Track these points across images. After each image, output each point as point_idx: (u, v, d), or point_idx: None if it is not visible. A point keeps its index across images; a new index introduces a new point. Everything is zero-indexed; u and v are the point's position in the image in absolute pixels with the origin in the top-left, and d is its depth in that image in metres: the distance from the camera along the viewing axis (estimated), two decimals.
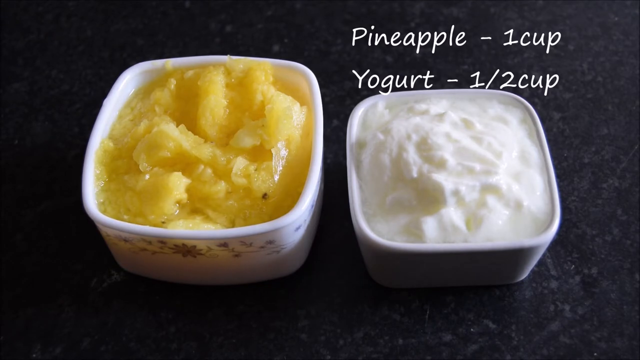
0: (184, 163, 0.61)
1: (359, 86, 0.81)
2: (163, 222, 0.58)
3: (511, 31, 0.87)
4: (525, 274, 0.62)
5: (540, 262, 0.64)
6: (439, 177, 0.58)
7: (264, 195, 0.59)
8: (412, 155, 0.60)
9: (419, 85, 0.81)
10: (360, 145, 0.64)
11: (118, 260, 0.64)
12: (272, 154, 0.61)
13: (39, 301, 0.63)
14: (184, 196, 0.59)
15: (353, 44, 0.86)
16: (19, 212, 0.70)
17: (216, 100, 0.64)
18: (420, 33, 0.87)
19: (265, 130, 0.61)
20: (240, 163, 0.60)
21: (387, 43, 0.86)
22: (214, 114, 0.64)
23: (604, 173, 0.71)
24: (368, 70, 0.83)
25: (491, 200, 0.58)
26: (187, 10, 0.92)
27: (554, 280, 0.63)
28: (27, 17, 0.92)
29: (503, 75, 0.81)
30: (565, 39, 0.85)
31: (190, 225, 0.57)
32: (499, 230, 0.57)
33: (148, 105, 0.66)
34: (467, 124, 0.62)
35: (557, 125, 0.76)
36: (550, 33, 0.86)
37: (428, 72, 0.82)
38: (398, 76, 0.82)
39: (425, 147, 0.60)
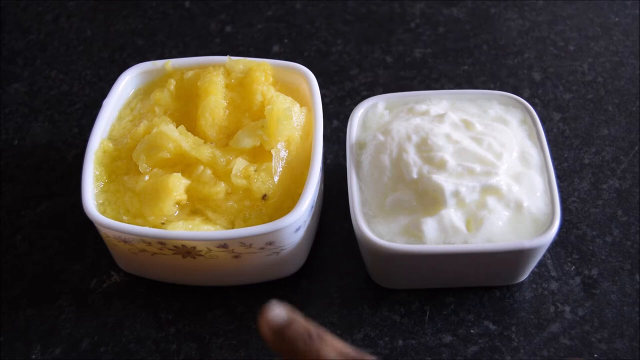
0: (184, 164, 0.61)
1: (359, 86, 0.81)
2: (163, 223, 0.58)
3: (511, 31, 0.87)
4: (525, 275, 0.62)
5: (541, 263, 0.64)
6: (439, 178, 0.58)
7: (264, 196, 0.59)
8: (412, 156, 0.59)
9: (419, 85, 0.81)
10: (360, 146, 0.64)
11: (118, 261, 0.64)
12: (272, 154, 0.60)
13: (39, 302, 0.63)
14: (183, 197, 0.59)
15: (353, 44, 0.86)
16: (19, 212, 0.69)
17: (216, 101, 0.64)
18: (420, 33, 0.87)
19: (265, 131, 0.61)
20: (240, 164, 0.60)
21: (387, 43, 0.86)
22: (214, 114, 0.64)
23: (604, 174, 0.71)
24: (368, 71, 0.82)
25: (491, 201, 0.58)
26: (187, 10, 0.92)
27: (554, 282, 0.63)
28: (27, 17, 0.92)
29: (503, 76, 0.81)
30: (566, 39, 0.85)
31: (190, 226, 0.57)
32: (499, 231, 0.57)
33: (148, 105, 0.66)
34: (467, 125, 0.62)
35: (557, 126, 0.75)
36: (550, 33, 0.86)
37: (428, 72, 0.82)
38: (398, 76, 0.82)
39: (425, 148, 0.60)
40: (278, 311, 0.40)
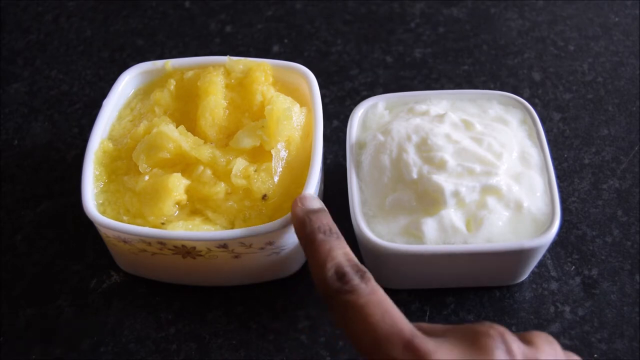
0: (184, 164, 0.61)
1: (359, 86, 0.81)
2: (163, 223, 0.58)
3: (511, 31, 0.87)
4: (525, 275, 0.62)
5: (541, 263, 0.64)
6: (439, 178, 0.58)
7: (264, 196, 0.59)
8: (412, 156, 0.59)
9: (419, 85, 0.81)
10: (360, 146, 0.64)
11: (118, 261, 0.64)
12: (272, 155, 0.60)
13: (39, 302, 0.63)
14: (183, 197, 0.59)
15: (353, 44, 0.86)
16: (19, 212, 0.70)
17: (216, 101, 0.64)
18: (420, 33, 0.87)
19: (265, 131, 0.61)
20: (240, 164, 0.60)
21: (387, 43, 0.86)
22: (214, 114, 0.64)
23: (604, 174, 0.71)
24: (368, 71, 0.82)
25: (491, 201, 0.58)
26: (187, 10, 0.92)
27: (554, 282, 0.63)
28: (27, 17, 0.92)
29: (503, 76, 0.81)
30: (566, 39, 0.85)
31: (190, 226, 0.57)
32: (499, 231, 0.57)
33: (148, 105, 0.66)
34: (467, 125, 0.62)
35: (557, 126, 0.75)
36: (550, 33, 0.86)
37: (428, 72, 0.82)
38: (398, 76, 0.82)
39: (425, 148, 0.60)
40: (315, 199, 0.44)
